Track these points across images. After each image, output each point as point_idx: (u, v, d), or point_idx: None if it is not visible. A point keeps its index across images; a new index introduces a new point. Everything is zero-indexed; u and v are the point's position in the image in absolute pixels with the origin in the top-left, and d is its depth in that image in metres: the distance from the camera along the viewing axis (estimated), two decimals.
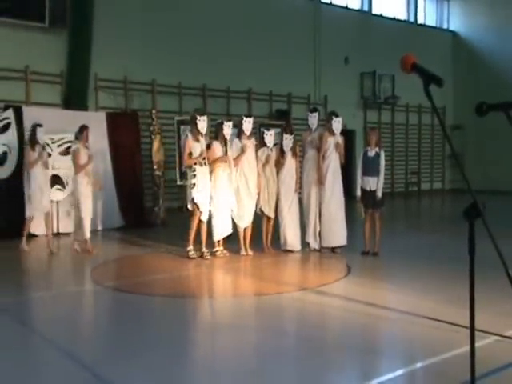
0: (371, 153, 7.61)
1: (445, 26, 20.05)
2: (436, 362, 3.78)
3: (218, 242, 7.62)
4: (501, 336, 4.21)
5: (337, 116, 7.71)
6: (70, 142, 9.05)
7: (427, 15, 19.62)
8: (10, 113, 8.80)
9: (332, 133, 7.70)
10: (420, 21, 19.26)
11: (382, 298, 5.56)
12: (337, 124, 7.66)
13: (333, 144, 7.67)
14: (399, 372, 3.66)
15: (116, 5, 11.93)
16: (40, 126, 7.96)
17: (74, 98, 11.35)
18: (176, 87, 13.02)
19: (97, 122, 9.62)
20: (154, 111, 10.86)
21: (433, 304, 5.24)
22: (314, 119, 7.86)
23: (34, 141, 7.92)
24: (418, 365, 3.76)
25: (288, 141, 7.75)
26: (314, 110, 8.09)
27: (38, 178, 7.86)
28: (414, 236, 9.70)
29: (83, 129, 7.80)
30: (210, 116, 7.82)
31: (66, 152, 9.10)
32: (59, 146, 9.32)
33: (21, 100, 10.61)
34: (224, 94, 13.93)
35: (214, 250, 7.60)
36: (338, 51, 16.11)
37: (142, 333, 4.75)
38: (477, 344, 4.12)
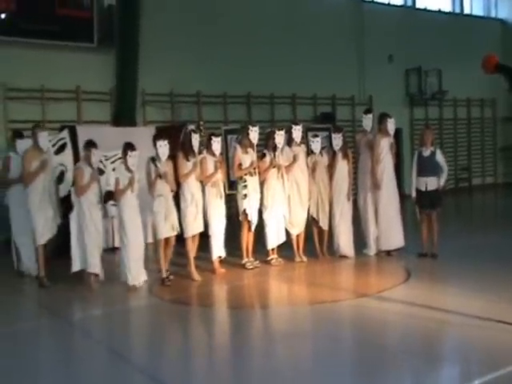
0: (426, 152, 7.44)
1: (493, 15, 19.39)
2: None
3: (273, 250, 7.63)
4: None
5: (390, 117, 7.61)
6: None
7: (474, 4, 19.03)
8: (65, 133, 9.07)
9: (386, 134, 7.60)
10: (466, 11, 18.71)
11: (446, 303, 5.43)
12: (391, 125, 7.57)
13: (387, 145, 7.57)
14: (476, 382, 3.56)
15: (159, 21, 12.14)
16: (195, 131, 7.04)
17: (123, 115, 11.60)
18: (221, 97, 13.13)
19: (147, 137, 9.76)
20: (201, 122, 10.98)
21: (501, 307, 5.07)
22: (368, 120, 7.77)
23: (189, 149, 6.85)
24: (496, 374, 3.63)
25: (338, 140, 7.66)
26: (369, 111, 7.99)
27: (193, 191, 6.80)
28: (470, 235, 9.39)
29: (210, 137, 7.06)
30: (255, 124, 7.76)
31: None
32: (112, 162, 9.53)
33: (73, 120, 10.94)
34: (268, 101, 13.95)
35: (269, 258, 7.60)
36: (381, 49, 15.84)
37: (202, 343, 4.85)
38: None
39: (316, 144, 7.64)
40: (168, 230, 6.63)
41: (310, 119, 14.32)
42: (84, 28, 11.13)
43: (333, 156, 7.73)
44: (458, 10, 18.45)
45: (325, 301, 5.83)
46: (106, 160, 9.50)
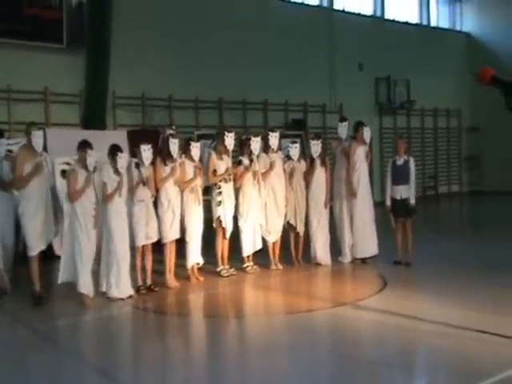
0: (400, 161, 7.52)
1: (458, 28, 19.90)
2: (499, 380, 3.66)
3: (248, 257, 7.55)
4: None
5: (366, 125, 7.67)
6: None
7: (440, 17, 19.49)
8: None
9: (362, 142, 7.65)
10: (433, 23, 19.12)
11: (424, 312, 5.44)
12: (367, 133, 7.64)
13: (363, 154, 7.61)
14: None
15: (132, 23, 11.93)
16: (173, 136, 6.87)
17: (93, 117, 11.32)
18: (193, 101, 13.01)
19: (118, 141, 9.54)
20: (173, 127, 10.82)
21: (480, 315, 5.12)
22: (343, 128, 7.79)
23: (166, 154, 6.70)
24: None
25: (316, 146, 7.64)
26: (344, 119, 8.00)
27: (170, 197, 6.64)
28: (442, 242, 9.52)
29: (188, 142, 6.96)
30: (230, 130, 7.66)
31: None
32: None
33: (41, 122, 10.59)
34: (240, 106, 13.90)
35: (245, 265, 7.52)
36: (352, 58, 16.02)
37: (177, 355, 4.74)
38: None
39: (294, 150, 7.61)
40: (148, 237, 6.47)
41: (282, 125, 14.32)
42: (53, 28, 10.82)
43: (311, 163, 7.71)
44: (425, 22, 18.85)
45: (303, 310, 5.78)
46: None
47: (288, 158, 7.68)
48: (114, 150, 6.31)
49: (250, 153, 7.34)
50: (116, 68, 11.44)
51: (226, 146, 7.17)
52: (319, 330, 5.35)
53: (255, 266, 7.54)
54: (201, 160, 7.25)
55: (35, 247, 6.11)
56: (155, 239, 6.58)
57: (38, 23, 10.71)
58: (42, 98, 10.93)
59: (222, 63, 13.32)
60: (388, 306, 5.66)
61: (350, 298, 6.23)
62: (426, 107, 17.93)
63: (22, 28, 10.50)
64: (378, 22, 17.22)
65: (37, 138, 6.17)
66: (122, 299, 6.20)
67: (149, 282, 6.58)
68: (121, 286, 6.19)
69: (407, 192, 7.43)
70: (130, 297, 6.27)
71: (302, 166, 7.72)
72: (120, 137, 10.07)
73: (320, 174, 7.66)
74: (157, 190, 6.68)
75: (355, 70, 16.23)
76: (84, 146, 6.10)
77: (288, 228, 7.75)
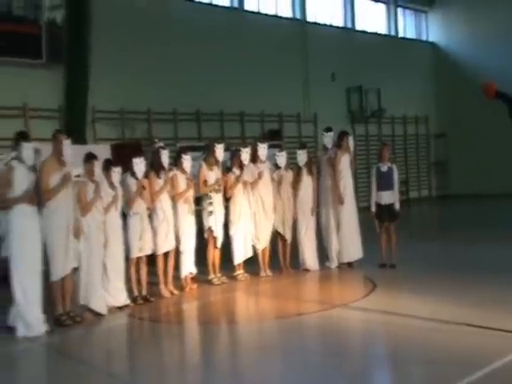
0: (384, 168, 7.84)
1: (424, 38, 20.63)
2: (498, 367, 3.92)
3: (239, 265, 7.70)
4: None
5: (350, 134, 7.97)
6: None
7: (407, 28, 20.18)
8: None
9: (347, 151, 7.93)
10: (400, 34, 19.77)
11: (417, 309, 5.65)
12: (351, 142, 7.92)
13: (347, 162, 7.89)
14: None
15: (109, 38, 12.01)
16: (163, 148, 6.96)
17: (73, 132, 11.31)
18: (171, 114, 13.13)
19: (102, 155, 9.59)
20: (156, 140, 10.89)
21: (467, 311, 5.40)
22: (329, 138, 8.04)
23: (159, 166, 6.81)
24: (481, 373, 3.89)
25: (302, 156, 7.89)
26: (329, 129, 8.22)
27: (165, 208, 6.75)
28: (419, 244, 9.84)
29: (180, 154, 7.09)
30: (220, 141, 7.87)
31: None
32: None
33: None
34: (217, 118, 14.08)
35: (235, 273, 7.67)
36: (324, 68, 16.43)
37: (175, 361, 4.89)
38: None
39: (281, 158, 7.84)
40: (141, 249, 6.58)
41: (258, 136, 14.55)
42: (33, 43, 10.80)
43: (297, 172, 7.94)
44: (392, 33, 19.46)
45: (295, 314, 5.95)
46: None
47: (276, 166, 7.91)
48: (108, 165, 6.46)
49: (240, 163, 7.53)
50: (95, 82, 11.51)
51: (216, 158, 7.35)
52: (313, 330, 5.54)
53: (246, 274, 7.70)
54: None
55: (61, 270, 5.71)
56: (149, 252, 6.71)
57: (16, 38, 10.68)
58: (21, 114, 10.87)
59: (198, 75, 13.50)
60: (380, 306, 5.91)
61: (343, 299, 6.45)
62: (396, 115, 18.47)
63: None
64: (349, 33, 17.73)
65: (67, 146, 5.80)
66: (120, 308, 6.32)
67: (144, 292, 6.69)
68: (116, 294, 6.31)
69: (391, 197, 7.76)
70: (127, 306, 6.39)
71: (290, 174, 7.96)
72: (104, 151, 10.13)
73: (307, 183, 7.90)
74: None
75: (328, 80, 16.64)
76: (91, 158, 6.20)
77: (276, 236, 7.96)
